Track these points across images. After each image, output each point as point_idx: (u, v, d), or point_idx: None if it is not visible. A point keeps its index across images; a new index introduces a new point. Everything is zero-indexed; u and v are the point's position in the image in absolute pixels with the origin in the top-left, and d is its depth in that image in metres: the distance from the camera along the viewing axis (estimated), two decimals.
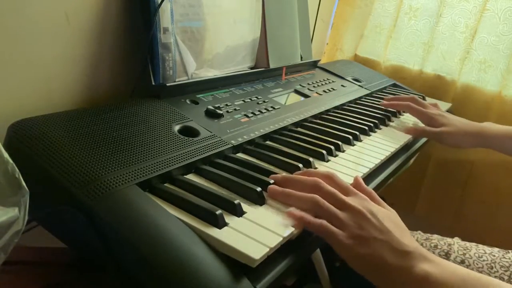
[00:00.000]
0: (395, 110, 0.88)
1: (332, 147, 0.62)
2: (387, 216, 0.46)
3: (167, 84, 0.62)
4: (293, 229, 0.41)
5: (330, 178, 0.49)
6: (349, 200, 0.46)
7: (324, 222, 0.43)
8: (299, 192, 0.46)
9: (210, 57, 0.72)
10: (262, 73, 0.84)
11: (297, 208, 0.45)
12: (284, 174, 0.51)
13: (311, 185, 0.47)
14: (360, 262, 0.43)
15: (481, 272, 0.71)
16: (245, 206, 0.43)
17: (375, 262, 0.42)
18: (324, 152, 0.59)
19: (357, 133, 0.70)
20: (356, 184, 0.51)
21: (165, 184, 0.46)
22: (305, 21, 1.01)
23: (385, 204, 0.49)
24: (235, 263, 0.36)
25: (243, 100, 0.70)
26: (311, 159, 0.57)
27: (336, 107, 0.83)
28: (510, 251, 0.71)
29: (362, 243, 0.43)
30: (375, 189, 0.58)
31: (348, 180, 0.53)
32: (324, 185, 0.47)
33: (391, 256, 0.42)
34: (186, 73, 0.67)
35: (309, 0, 1.02)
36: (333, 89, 0.92)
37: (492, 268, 0.72)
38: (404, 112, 0.91)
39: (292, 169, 0.53)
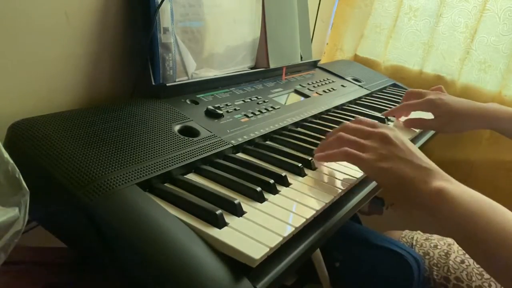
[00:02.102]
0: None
1: None
2: (411, 143, 0.51)
3: (167, 84, 0.62)
4: (293, 229, 0.41)
5: (357, 119, 0.56)
6: (376, 129, 0.51)
7: (345, 148, 0.49)
8: (333, 151, 0.52)
9: (210, 57, 0.72)
10: (262, 73, 0.84)
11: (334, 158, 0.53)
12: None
13: (339, 129, 0.54)
14: (383, 175, 0.48)
15: (481, 272, 0.71)
16: (245, 206, 0.43)
17: (396, 175, 0.46)
18: None
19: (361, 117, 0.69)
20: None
21: (165, 184, 0.46)
22: (305, 21, 1.01)
23: None
24: (235, 263, 0.36)
25: (243, 100, 0.70)
26: (311, 159, 0.57)
27: (336, 107, 0.83)
28: None
29: (384, 159, 0.48)
30: (375, 189, 0.58)
31: (349, 180, 0.54)
32: (349, 124, 0.54)
33: (411, 170, 0.46)
34: (186, 73, 0.67)
35: (309, 0, 1.02)
36: (333, 89, 0.92)
37: None
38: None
39: (292, 169, 0.54)
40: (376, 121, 0.54)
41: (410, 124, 0.80)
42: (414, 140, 0.79)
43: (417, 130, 0.81)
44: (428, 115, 0.79)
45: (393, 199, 0.50)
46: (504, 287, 0.43)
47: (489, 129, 0.79)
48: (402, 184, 0.46)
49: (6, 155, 0.35)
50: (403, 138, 0.50)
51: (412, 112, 0.82)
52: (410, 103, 0.81)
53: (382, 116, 0.81)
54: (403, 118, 0.82)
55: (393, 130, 0.51)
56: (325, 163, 0.56)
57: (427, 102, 0.78)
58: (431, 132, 0.85)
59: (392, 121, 0.83)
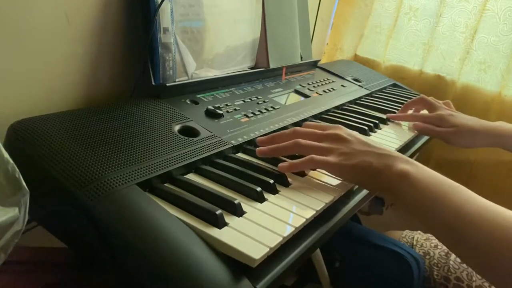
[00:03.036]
0: (397, 110, 0.87)
1: None
2: (362, 136, 0.54)
3: (167, 84, 0.62)
4: (293, 229, 0.41)
5: (306, 123, 0.59)
6: (326, 132, 0.54)
7: (311, 155, 0.50)
8: (282, 143, 0.53)
9: (210, 57, 0.72)
10: (262, 73, 0.84)
11: (317, 190, 0.51)
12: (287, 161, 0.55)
13: (291, 133, 0.54)
14: (352, 172, 0.50)
15: None
16: (245, 206, 0.43)
17: (363, 168, 0.49)
18: None
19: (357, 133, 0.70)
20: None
21: (165, 184, 0.46)
22: (305, 21, 1.01)
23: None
24: (235, 263, 0.36)
25: (243, 100, 0.70)
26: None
27: (336, 107, 0.83)
28: None
29: (348, 157, 0.50)
30: None
31: None
32: (301, 129, 0.55)
33: (375, 160, 0.49)
34: (186, 73, 0.67)
35: (309, 0, 1.02)
36: (333, 89, 0.92)
37: None
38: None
39: None
40: (322, 123, 0.56)
41: (419, 129, 0.79)
42: (413, 141, 0.79)
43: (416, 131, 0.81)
44: None
45: (366, 189, 0.52)
46: (463, 260, 0.47)
47: (496, 146, 0.79)
48: (370, 174, 0.49)
49: (6, 155, 0.35)
50: (354, 133, 0.54)
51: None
52: (419, 115, 0.81)
53: (383, 117, 0.81)
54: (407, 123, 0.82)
55: (341, 128, 0.54)
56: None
57: (438, 117, 0.79)
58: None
59: (392, 122, 0.83)
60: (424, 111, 0.86)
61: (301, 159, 0.50)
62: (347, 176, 0.51)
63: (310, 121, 0.74)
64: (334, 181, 0.53)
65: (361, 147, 0.51)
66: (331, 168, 0.50)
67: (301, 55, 0.98)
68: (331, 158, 0.50)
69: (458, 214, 0.43)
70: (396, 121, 0.82)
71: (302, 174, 0.53)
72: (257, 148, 0.54)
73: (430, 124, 0.79)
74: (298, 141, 0.52)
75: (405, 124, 0.83)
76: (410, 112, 0.87)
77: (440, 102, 0.84)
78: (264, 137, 0.57)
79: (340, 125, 0.55)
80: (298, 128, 0.55)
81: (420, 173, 0.47)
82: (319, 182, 0.52)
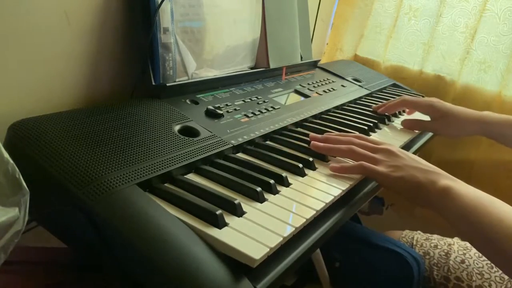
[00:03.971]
0: (382, 113, 0.86)
1: None
2: (413, 154, 0.57)
3: (167, 84, 0.62)
4: (293, 229, 0.41)
5: (361, 136, 0.62)
6: (379, 146, 0.58)
7: (363, 162, 0.54)
8: (338, 145, 0.58)
9: (210, 57, 0.72)
10: (262, 73, 0.84)
11: (335, 155, 0.59)
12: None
13: (346, 140, 0.59)
14: (397, 184, 0.53)
15: (481, 272, 0.71)
16: (245, 206, 0.43)
17: (409, 181, 0.52)
18: None
19: (357, 133, 0.70)
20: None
21: (165, 184, 0.46)
22: (305, 21, 1.01)
23: None
24: (235, 263, 0.36)
25: (243, 100, 0.70)
26: (311, 159, 0.57)
27: (336, 107, 0.83)
28: None
29: (397, 169, 0.53)
30: (375, 189, 0.58)
31: (349, 180, 0.54)
32: (356, 140, 0.59)
33: (421, 174, 0.52)
34: (186, 73, 0.67)
35: (309, 0, 1.02)
36: (333, 89, 0.92)
37: (492, 267, 0.72)
38: (403, 112, 0.91)
39: (292, 169, 0.54)
40: (375, 139, 0.60)
41: (409, 124, 0.80)
42: (413, 141, 0.79)
43: (416, 131, 0.81)
44: (425, 118, 0.81)
45: (409, 201, 0.55)
46: (503, 270, 0.48)
47: (482, 135, 0.80)
48: (415, 187, 0.51)
49: (6, 155, 0.35)
50: (404, 151, 0.57)
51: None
52: (410, 98, 0.83)
53: (383, 117, 0.81)
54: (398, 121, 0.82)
55: (393, 145, 0.58)
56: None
57: (427, 103, 0.80)
58: (431, 133, 0.85)
59: (392, 121, 0.83)
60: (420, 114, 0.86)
61: (352, 164, 0.55)
62: (393, 187, 0.53)
63: (310, 121, 0.74)
64: (334, 181, 0.53)
65: (409, 162, 0.54)
66: (379, 177, 0.54)
67: (301, 55, 0.98)
68: (380, 168, 0.54)
69: (498, 227, 0.46)
70: (395, 121, 0.83)
71: (325, 159, 0.58)
72: (314, 142, 0.59)
73: (420, 111, 0.84)
74: (353, 147, 0.57)
75: None
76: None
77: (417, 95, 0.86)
78: (318, 135, 0.61)
79: (392, 144, 0.59)
80: (353, 137, 0.60)
81: (462, 188, 0.50)
82: (319, 182, 0.52)
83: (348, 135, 0.61)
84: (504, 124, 0.76)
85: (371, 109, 0.84)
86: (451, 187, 0.50)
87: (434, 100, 0.81)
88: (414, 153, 0.76)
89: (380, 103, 0.86)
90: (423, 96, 1.06)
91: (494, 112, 0.79)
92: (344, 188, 0.52)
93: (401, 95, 0.88)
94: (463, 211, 0.48)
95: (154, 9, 0.60)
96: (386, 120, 0.81)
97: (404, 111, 0.91)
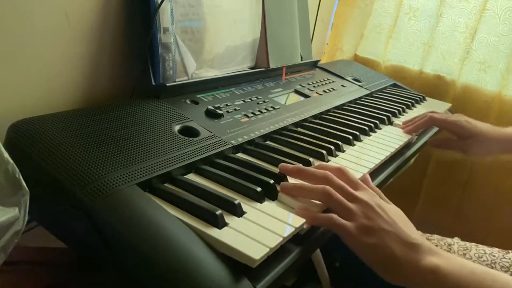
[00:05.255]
0: (396, 110, 0.87)
1: (332, 147, 0.62)
2: (394, 211, 0.47)
3: (167, 84, 0.62)
4: (293, 229, 0.41)
5: (341, 171, 0.49)
6: (358, 193, 0.46)
7: (332, 215, 0.44)
8: (310, 184, 0.47)
9: (210, 57, 0.72)
10: (262, 73, 0.83)
11: (307, 199, 0.47)
12: (295, 164, 0.51)
13: (322, 177, 0.47)
14: (368, 252, 0.43)
15: None
16: (245, 206, 0.43)
17: (383, 253, 0.42)
18: (324, 152, 0.59)
19: (357, 133, 0.70)
20: (364, 181, 0.51)
21: (165, 184, 0.46)
22: (305, 21, 1.01)
23: (391, 202, 0.49)
24: (235, 263, 0.36)
25: (243, 100, 0.70)
26: (311, 159, 0.57)
27: (336, 107, 0.83)
28: (510, 251, 0.71)
29: (370, 233, 0.43)
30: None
31: None
32: (334, 178, 0.47)
33: (399, 247, 0.42)
34: (186, 73, 0.67)
35: (309, 0, 1.02)
36: (333, 89, 0.92)
37: (492, 268, 0.72)
38: (404, 112, 0.91)
39: None
40: (357, 180, 0.49)
41: (437, 144, 0.81)
42: (417, 138, 0.79)
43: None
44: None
45: (379, 274, 0.45)
46: None
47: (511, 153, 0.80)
48: (389, 262, 0.43)
49: (6, 155, 0.35)
50: (385, 206, 0.46)
51: None
52: (437, 117, 0.80)
53: (383, 117, 0.81)
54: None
55: (374, 195, 0.48)
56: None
57: (455, 123, 0.80)
58: (430, 133, 0.85)
59: (406, 113, 0.83)
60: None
61: (322, 215, 0.45)
62: (360, 253, 0.44)
63: (310, 121, 0.74)
64: None
65: (386, 225, 0.44)
66: (348, 238, 0.44)
67: (301, 55, 0.98)
68: (351, 226, 0.43)
69: None
70: (395, 121, 0.83)
71: (325, 159, 0.55)
72: (282, 183, 0.49)
73: (448, 130, 0.81)
74: (329, 190, 0.45)
75: None
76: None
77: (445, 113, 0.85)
78: (290, 166, 0.51)
79: (371, 191, 0.49)
80: (331, 175, 0.47)
81: (451, 265, 0.42)
82: None
83: (327, 168, 0.49)
84: None
85: (404, 132, 0.78)
86: (440, 267, 0.41)
87: (462, 120, 0.80)
88: (415, 153, 0.76)
89: (406, 121, 0.82)
90: (423, 97, 1.06)
91: (494, 112, 0.79)
92: None
93: (426, 114, 0.82)
94: None
95: (154, 9, 0.60)
96: (386, 120, 0.81)
97: (404, 111, 0.91)
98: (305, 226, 0.43)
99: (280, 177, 0.50)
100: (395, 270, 0.43)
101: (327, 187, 0.46)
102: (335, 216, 0.44)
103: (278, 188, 0.48)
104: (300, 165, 0.53)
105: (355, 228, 0.43)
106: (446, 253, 0.44)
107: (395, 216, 0.46)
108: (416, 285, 0.42)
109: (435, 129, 0.87)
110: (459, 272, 0.41)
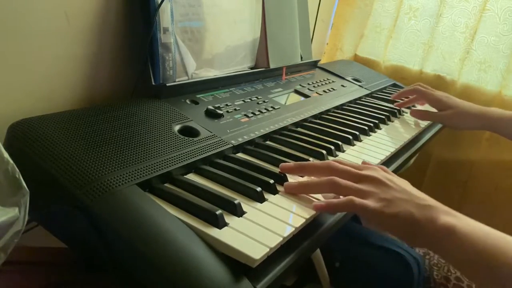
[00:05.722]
0: (396, 110, 0.88)
1: (332, 147, 0.62)
2: (402, 181, 0.49)
3: (167, 84, 0.62)
4: (293, 229, 0.41)
5: (339, 161, 0.51)
6: (363, 172, 0.48)
7: (350, 197, 0.45)
8: (316, 179, 0.48)
9: (210, 57, 0.72)
10: (262, 73, 0.84)
11: (316, 193, 0.48)
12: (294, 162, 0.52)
13: (325, 167, 0.49)
14: (393, 223, 0.45)
15: None
16: (245, 206, 0.43)
17: (405, 219, 0.44)
18: (324, 152, 0.59)
19: (357, 133, 0.70)
20: (364, 163, 0.53)
21: (165, 184, 0.46)
22: (305, 21, 1.01)
23: (396, 175, 0.51)
24: (235, 263, 0.36)
25: (243, 100, 0.70)
26: (311, 159, 0.57)
27: (336, 107, 0.83)
28: None
29: (389, 204, 0.45)
30: None
31: None
32: (336, 164, 0.49)
33: (417, 211, 0.44)
34: (186, 73, 0.67)
35: (309, 0, 1.02)
36: (333, 89, 0.92)
37: None
38: (403, 112, 0.91)
39: None
40: (358, 164, 0.51)
41: (417, 115, 0.86)
42: (413, 140, 0.79)
43: (423, 124, 0.85)
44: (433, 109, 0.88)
45: (403, 241, 0.48)
46: None
47: (488, 129, 0.85)
48: (412, 227, 0.44)
49: (6, 155, 0.35)
50: (392, 176, 0.48)
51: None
52: (421, 89, 0.89)
53: (397, 108, 0.88)
54: (408, 119, 0.83)
55: (377, 170, 0.49)
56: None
57: (436, 98, 0.86)
58: (431, 133, 0.86)
59: (392, 121, 0.83)
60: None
61: (340, 200, 0.46)
62: (385, 226, 0.46)
63: (310, 121, 0.74)
64: None
65: (401, 194, 0.46)
66: (371, 214, 0.45)
67: (301, 55, 0.98)
68: (370, 203, 0.45)
69: None
70: (395, 120, 0.83)
71: (325, 159, 0.55)
72: (286, 183, 0.48)
73: (430, 104, 0.88)
74: (335, 179, 0.46)
75: (406, 123, 0.83)
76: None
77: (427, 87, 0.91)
78: (291, 163, 0.50)
79: (375, 166, 0.51)
80: (333, 163, 0.49)
81: (466, 226, 0.43)
82: None
83: (328, 162, 0.50)
84: (509, 120, 0.80)
85: (391, 98, 0.92)
86: (455, 226, 0.43)
87: (443, 94, 0.86)
88: (415, 153, 0.76)
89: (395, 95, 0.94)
90: None
91: None
92: None
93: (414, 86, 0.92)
94: (472, 255, 0.42)
95: (154, 9, 0.60)
96: (386, 120, 0.81)
97: (404, 111, 0.91)
98: (296, 230, 0.42)
99: (280, 177, 0.50)
100: (417, 233, 0.44)
101: (333, 177, 0.47)
102: (353, 197, 0.45)
103: (279, 188, 0.48)
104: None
105: (375, 204, 0.45)
106: (461, 214, 0.45)
107: (404, 184, 0.48)
108: (435, 246, 0.44)
109: (436, 128, 0.88)
110: (475, 233, 0.42)
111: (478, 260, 0.41)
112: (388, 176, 0.48)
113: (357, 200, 0.45)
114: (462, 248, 0.42)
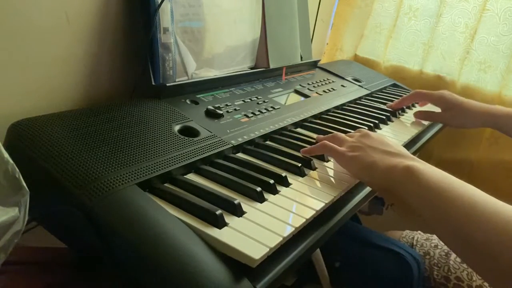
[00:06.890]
0: (397, 109, 0.88)
1: None
2: (390, 140, 0.54)
3: (167, 84, 0.62)
4: (293, 229, 0.41)
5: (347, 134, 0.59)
6: (357, 132, 0.57)
7: (324, 141, 0.56)
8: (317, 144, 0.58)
9: (210, 57, 0.72)
10: (262, 73, 0.84)
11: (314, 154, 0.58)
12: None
13: (328, 136, 0.59)
14: (352, 163, 0.52)
15: None
16: (245, 206, 0.43)
17: (364, 161, 0.50)
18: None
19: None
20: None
21: (165, 184, 0.46)
22: (305, 21, 1.01)
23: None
24: (235, 263, 0.36)
25: (243, 100, 0.70)
26: (311, 159, 0.57)
27: (336, 107, 0.83)
28: None
29: (354, 149, 0.52)
30: None
31: (349, 180, 0.54)
32: (337, 134, 0.59)
33: (379, 156, 0.50)
34: (186, 73, 0.67)
35: (309, 0, 1.02)
36: (333, 89, 0.92)
37: None
38: (404, 112, 0.91)
39: (292, 169, 0.54)
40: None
41: (420, 115, 0.85)
42: (413, 140, 0.79)
43: (425, 122, 0.85)
44: (436, 110, 0.86)
45: (368, 184, 0.52)
46: (468, 264, 0.43)
47: (492, 127, 0.83)
48: (370, 167, 0.49)
49: (6, 155, 0.35)
50: (381, 136, 0.55)
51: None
52: (422, 91, 0.87)
53: (383, 117, 0.81)
54: (408, 119, 0.83)
55: (368, 132, 0.56)
56: (325, 163, 0.58)
57: (438, 95, 0.85)
58: (431, 132, 0.86)
59: (406, 113, 0.84)
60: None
61: (316, 145, 0.57)
62: (346, 166, 0.53)
63: (310, 121, 0.74)
64: (334, 181, 0.53)
65: (374, 143, 0.52)
66: (335, 155, 0.54)
67: (301, 55, 0.98)
68: (339, 148, 0.54)
69: (471, 214, 0.40)
70: (395, 120, 0.83)
71: (325, 159, 0.59)
72: (302, 149, 0.58)
73: (431, 103, 0.88)
74: (325, 143, 0.56)
75: (406, 123, 0.83)
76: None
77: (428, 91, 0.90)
78: (316, 145, 0.58)
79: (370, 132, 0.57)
80: (325, 136, 0.59)
81: (428, 169, 0.45)
82: (319, 182, 0.52)
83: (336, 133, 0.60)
84: (510, 117, 0.79)
85: (387, 107, 0.88)
86: (416, 167, 0.45)
87: (446, 92, 0.85)
88: (414, 153, 0.76)
89: (390, 103, 0.91)
90: None
91: None
92: (343, 189, 0.52)
93: (404, 94, 0.92)
94: (427, 192, 0.43)
95: (154, 9, 0.60)
96: (386, 120, 0.81)
97: (404, 111, 0.91)
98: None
99: (280, 177, 0.50)
100: (374, 172, 0.49)
101: (323, 141, 0.56)
102: (327, 142, 0.55)
103: (279, 188, 0.48)
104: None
105: (344, 148, 0.53)
106: (429, 164, 0.47)
107: (388, 141, 0.53)
108: (396, 187, 0.46)
109: (437, 128, 0.88)
110: (434, 173, 0.44)
111: (433, 201, 0.43)
112: (377, 134, 0.55)
113: (330, 144, 0.55)
114: (418, 187, 0.44)
